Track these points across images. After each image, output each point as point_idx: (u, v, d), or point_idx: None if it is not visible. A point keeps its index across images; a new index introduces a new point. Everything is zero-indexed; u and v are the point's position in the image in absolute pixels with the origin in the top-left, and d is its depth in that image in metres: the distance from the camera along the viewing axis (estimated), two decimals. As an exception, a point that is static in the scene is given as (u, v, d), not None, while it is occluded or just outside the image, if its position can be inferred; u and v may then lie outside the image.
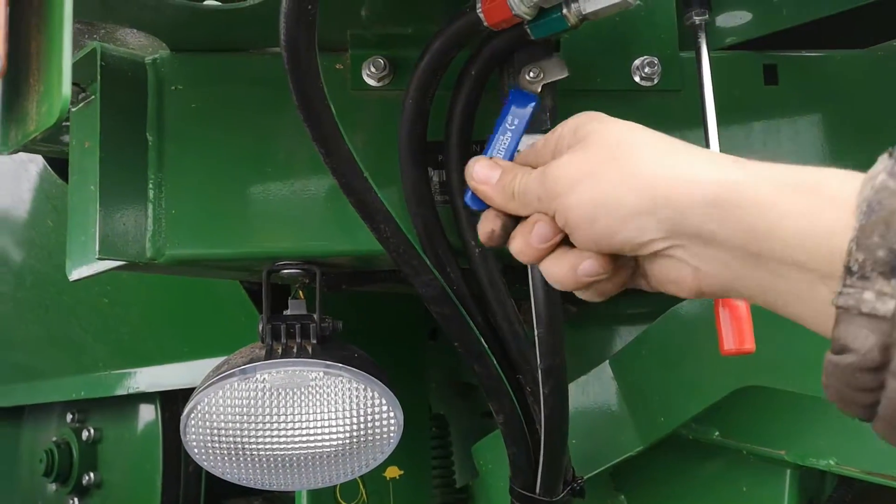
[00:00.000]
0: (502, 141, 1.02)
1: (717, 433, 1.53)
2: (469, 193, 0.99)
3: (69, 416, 2.79)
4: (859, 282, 0.60)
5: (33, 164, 2.45)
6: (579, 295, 0.92)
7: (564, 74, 1.10)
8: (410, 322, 2.06)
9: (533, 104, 1.05)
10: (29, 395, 2.76)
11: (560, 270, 0.87)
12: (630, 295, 1.66)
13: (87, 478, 2.69)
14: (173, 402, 2.35)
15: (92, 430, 2.69)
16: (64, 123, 1.41)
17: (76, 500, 2.75)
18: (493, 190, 0.95)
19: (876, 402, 0.62)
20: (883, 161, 0.63)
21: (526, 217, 0.91)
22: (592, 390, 1.54)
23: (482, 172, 0.96)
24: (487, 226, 0.96)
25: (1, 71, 0.68)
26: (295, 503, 1.70)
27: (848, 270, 0.61)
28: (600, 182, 0.80)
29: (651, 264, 0.82)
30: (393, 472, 1.80)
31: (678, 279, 0.80)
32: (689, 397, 1.45)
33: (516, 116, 1.03)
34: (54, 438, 2.79)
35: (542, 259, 0.89)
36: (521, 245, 0.90)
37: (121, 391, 2.24)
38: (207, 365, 1.90)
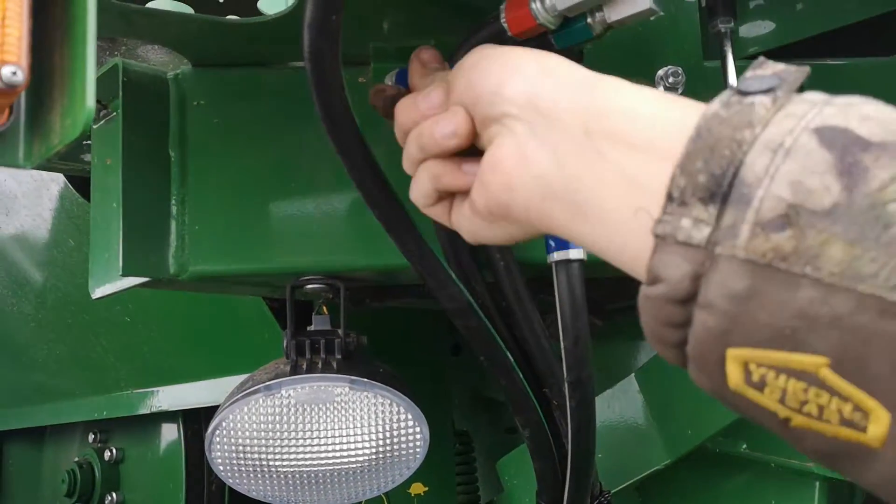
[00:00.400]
0: None
1: (744, 446, 1.51)
2: (402, 70, 1.04)
3: (91, 437, 2.79)
4: (679, 209, 0.57)
5: (54, 183, 2.45)
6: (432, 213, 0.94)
7: None
8: (433, 337, 2.05)
9: None
10: (51, 415, 2.75)
11: (424, 126, 0.87)
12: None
13: (109, 498, 2.68)
14: (195, 421, 2.35)
15: (114, 451, 2.69)
16: (85, 142, 1.42)
17: (98, 521, 2.75)
18: (418, 68, 0.99)
19: (684, 340, 0.58)
20: (723, 94, 0.61)
21: None
22: (618, 404, 1.53)
23: (430, 52, 1.01)
24: (389, 90, 1.00)
25: (24, 84, 0.67)
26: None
27: (669, 197, 0.58)
28: (495, 54, 0.82)
29: (487, 145, 0.81)
30: (418, 488, 1.79)
31: (497, 159, 0.78)
32: (718, 409, 1.43)
33: None
34: (76, 459, 2.79)
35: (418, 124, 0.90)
36: (405, 102, 0.92)
37: (143, 410, 2.23)
38: (230, 382, 1.89)
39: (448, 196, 0.92)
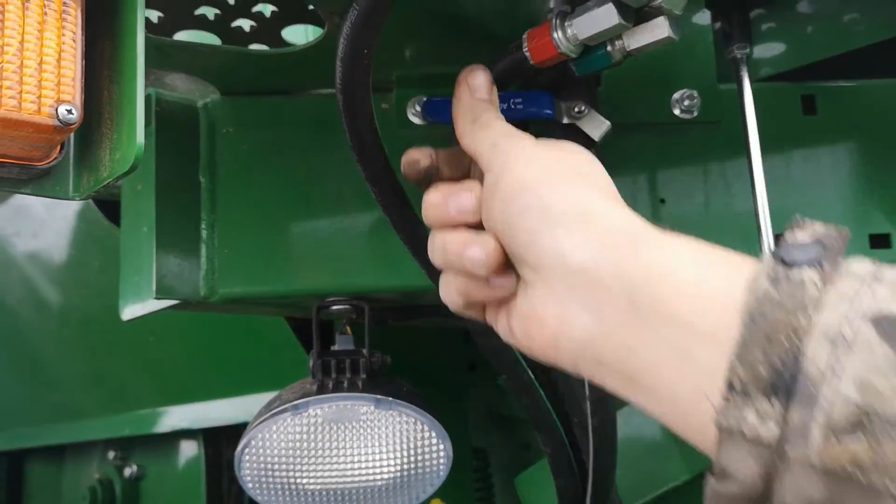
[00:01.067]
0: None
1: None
2: (433, 101, 0.99)
3: (111, 454, 2.82)
4: (741, 400, 0.56)
5: (81, 207, 2.49)
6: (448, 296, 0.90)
7: (607, 125, 1.12)
8: (450, 355, 2.08)
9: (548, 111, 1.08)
10: (72, 433, 2.79)
11: (453, 242, 0.83)
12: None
13: (130, 515, 2.72)
14: (216, 440, 2.37)
15: (134, 468, 2.72)
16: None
17: (119, 538, 2.77)
18: (467, 100, 0.93)
19: None
20: (766, 262, 0.60)
21: (459, 179, 0.91)
22: (636, 420, 1.55)
23: (481, 78, 0.95)
24: (424, 153, 0.94)
25: (78, 122, 0.71)
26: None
27: (730, 386, 0.57)
28: (533, 191, 0.77)
29: (525, 288, 0.79)
30: (437, 504, 1.81)
31: (540, 316, 0.75)
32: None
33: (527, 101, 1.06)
34: (96, 476, 2.82)
35: (443, 226, 0.86)
36: (435, 198, 0.87)
37: (164, 428, 2.26)
38: (252, 401, 1.93)
39: (480, 303, 0.88)
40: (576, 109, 1.10)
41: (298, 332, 1.74)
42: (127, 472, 2.73)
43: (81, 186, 0.79)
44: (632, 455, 1.53)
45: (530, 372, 1.21)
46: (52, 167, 0.76)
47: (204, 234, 1.22)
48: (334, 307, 1.27)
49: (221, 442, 2.39)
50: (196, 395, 2.13)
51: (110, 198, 1.69)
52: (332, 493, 1.23)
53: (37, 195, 0.78)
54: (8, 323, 2.94)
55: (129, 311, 1.30)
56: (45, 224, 2.64)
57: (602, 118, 1.09)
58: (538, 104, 1.08)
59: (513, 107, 1.07)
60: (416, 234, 1.05)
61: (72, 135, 0.78)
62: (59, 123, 0.68)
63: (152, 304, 1.25)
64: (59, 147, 0.76)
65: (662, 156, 1.29)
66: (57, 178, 0.79)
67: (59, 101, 0.68)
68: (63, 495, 3.25)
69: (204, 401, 2.10)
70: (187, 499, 2.52)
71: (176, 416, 2.22)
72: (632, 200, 1.28)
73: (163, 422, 2.26)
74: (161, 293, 1.17)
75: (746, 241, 1.27)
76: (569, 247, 0.72)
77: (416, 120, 1.26)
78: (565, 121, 1.11)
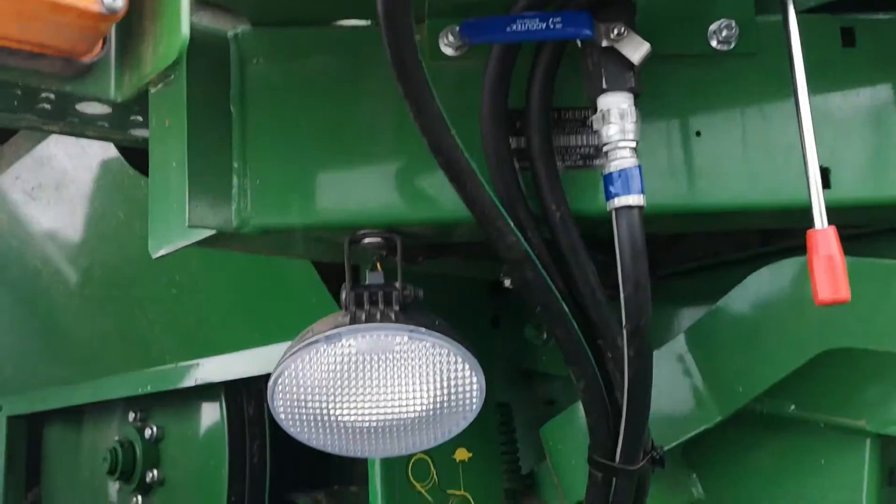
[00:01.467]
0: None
1: (792, 406, 1.51)
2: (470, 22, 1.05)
3: (131, 416, 2.83)
4: None
5: (106, 156, 2.44)
6: None
7: (646, 46, 1.10)
8: (473, 310, 2.07)
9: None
10: (93, 393, 2.78)
11: None
12: (703, 271, 1.65)
13: (150, 475, 2.72)
14: (237, 395, 2.37)
15: (155, 428, 2.72)
16: (134, 116, 1.44)
17: (140, 498, 2.78)
18: None
19: None
20: None
21: None
22: (667, 364, 1.53)
23: None
24: None
25: (123, 10, 0.70)
26: (368, 486, 1.71)
27: None
28: None
29: None
30: (462, 454, 1.81)
31: None
32: (769, 365, 1.44)
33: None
34: (117, 437, 2.83)
35: None
36: None
37: (187, 383, 2.24)
38: (278, 350, 1.91)
39: None
40: (615, 31, 1.08)
41: (325, 277, 1.72)
42: (147, 432, 2.74)
43: (123, 86, 0.78)
44: (663, 399, 1.51)
45: (564, 304, 1.20)
46: (94, 63, 0.75)
47: (235, 165, 1.21)
48: (366, 240, 1.26)
49: (243, 399, 2.38)
50: (220, 348, 2.11)
51: (136, 145, 1.67)
52: (364, 426, 1.22)
53: (78, 94, 0.77)
54: (28, 281, 2.93)
55: (160, 249, 1.29)
56: (68, 175, 2.61)
57: (642, 40, 1.08)
58: (577, 24, 1.06)
59: (552, 26, 1.05)
60: (452, 157, 1.04)
61: (114, 32, 0.77)
62: (105, 10, 0.67)
63: (183, 238, 1.24)
64: (101, 42, 0.75)
65: (698, 88, 1.27)
66: (98, 76, 0.78)
67: (105, -14, 0.67)
68: (82, 458, 3.26)
69: (230, 352, 2.07)
70: (209, 457, 2.52)
71: (200, 370, 2.19)
72: (666, 133, 1.27)
73: (185, 376, 2.24)
74: (193, 221, 1.16)
75: (781, 175, 1.25)
76: None
77: (448, 51, 1.25)
78: (604, 43, 1.10)
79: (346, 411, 1.21)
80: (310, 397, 1.20)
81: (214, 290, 2.17)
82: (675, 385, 1.52)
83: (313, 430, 1.22)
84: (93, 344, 2.75)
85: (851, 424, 1.44)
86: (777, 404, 1.53)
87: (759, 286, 1.43)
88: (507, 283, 1.55)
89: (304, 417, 1.21)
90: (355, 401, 1.21)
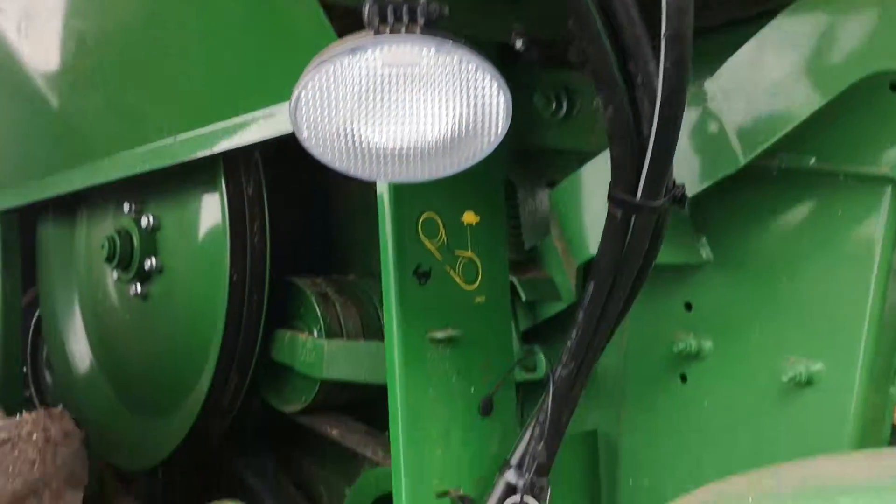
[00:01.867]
0: None
1: (813, 160, 1.50)
2: None
3: (126, 207, 2.79)
4: None
5: None
6: None
7: None
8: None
9: None
10: (88, 176, 2.70)
11: None
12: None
13: (148, 263, 2.72)
14: (236, 173, 2.32)
15: (151, 218, 2.70)
16: None
17: (138, 285, 2.79)
18: None
19: None
20: None
21: None
22: (690, 109, 1.50)
23: None
24: None
25: None
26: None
27: None
28: None
29: None
30: (470, 217, 1.79)
31: None
32: (788, 115, 1.41)
33: None
34: (113, 228, 2.80)
35: None
36: None
37: (188, 156, 2.16)
38: (282, 110, 1.82)
39: None
40: None
41: (335, 24, 1.63)
42: (144, 222, 2.71)
43: None
44: (685, 143, 1.49)
45: (600, 22, 1.15)
46: None
47: None
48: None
49: (241, 177, 2.33)
50: (223, 114, 2.00)
51: None
52: (388, 145, 1.19)
53: None
54: (11, 62, 2.80)
55: None
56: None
57: None
58: None
59: None
60: None
61: None
62: None
63: None
64: None
65: None
66: None
67: None
68: (77, 253, 3.23)
69: (232, 118, 1.97)
70: (208, 243, 2.49)
71: (202, 141, 2.09)
72: None
73: (187, 149, 2.15)
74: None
75: None
76: None
77: None
78: None
79: (369, 130, 1.18)
80: (333, 113, 1.16)
81: (211, 51, 2.04)
82: (697, 130, 1.50)
83: (336, 150, 1.19)
84: (85, 124, 2.65)
85: (873, 172, 1.43)
86: (796, 158, 1.51)
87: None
88: (519, 44, 1.50)
89: (329, 135, 1.18)
90: (379, 119, 1.18)
